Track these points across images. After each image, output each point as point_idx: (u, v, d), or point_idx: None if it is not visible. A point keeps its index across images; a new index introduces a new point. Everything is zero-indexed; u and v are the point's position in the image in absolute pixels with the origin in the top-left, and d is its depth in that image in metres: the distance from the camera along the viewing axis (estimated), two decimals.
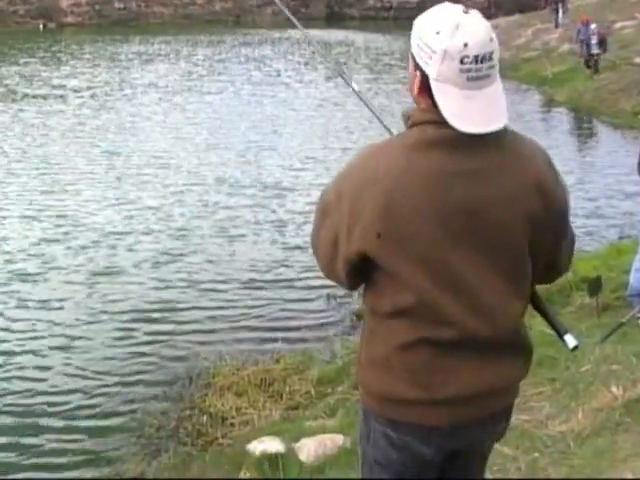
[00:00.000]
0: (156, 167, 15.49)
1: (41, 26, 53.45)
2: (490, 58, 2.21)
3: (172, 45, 40.17)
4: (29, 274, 10.02)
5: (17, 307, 9.10)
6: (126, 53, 36.60)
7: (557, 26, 28.87)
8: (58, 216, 12.38)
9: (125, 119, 20.59)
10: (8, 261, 10.44)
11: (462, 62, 2.17)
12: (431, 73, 2.23)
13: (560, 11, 28.70)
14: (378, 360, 2.43)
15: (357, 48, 38.14)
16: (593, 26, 25.75)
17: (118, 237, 11.43)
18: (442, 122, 2.21)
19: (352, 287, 2.56)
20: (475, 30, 2.20)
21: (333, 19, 58.54)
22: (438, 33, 2.20)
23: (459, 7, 2.26)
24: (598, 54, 24.61)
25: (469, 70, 2.18)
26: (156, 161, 15.98)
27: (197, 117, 20.94)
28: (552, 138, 19.93)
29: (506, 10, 54.14)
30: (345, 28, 51.62)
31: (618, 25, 31.20)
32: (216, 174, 14.98)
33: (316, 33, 46.56)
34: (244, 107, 22.52)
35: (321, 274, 2.63)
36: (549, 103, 23.71)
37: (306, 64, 32.45)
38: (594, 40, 25.43)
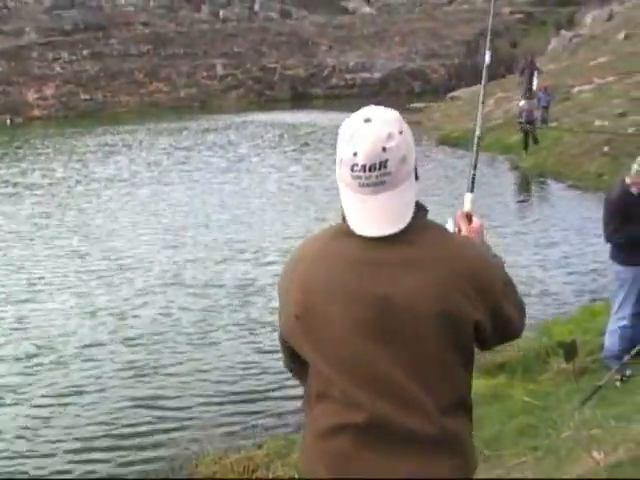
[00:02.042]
0: (119, 268, 14.54)
1: (8, 121, 53.68)
2: (383, 166, 2.29)
3: (136, 135, 40.09)
4: None
5: None
6: (88, 145, 36.32)
7: (530, 94, 28.52)
8: (16, 325, 11.69)
9: (85, 216, 19.67)
10: None
11: (352, 170, 2.30)
12: (337, 175, 2.39)
13: (535, 78, 28.63)
14: (306, 446, 2.51)
15: (322, 128, 38.40)
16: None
17: (83, 347, 10.66)
18: None
19: (297, 374, 2.66)
20: (365, 141, 2.29)
21: (298, 99, 59.25)
22: (341, 140, 2.35)
23: (364, 114, 2.36)
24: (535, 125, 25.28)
25: (359, 177, 2.30)
26: (118, 261, 15.04)
27: (160, 211, 19.89)
28: (519, 203, 20.23)
29: (467, 81, 55.12)
30: (310, 108, 52.12)
31: (576, 89, 31.81)
32: (182, 273, 14.10)
33: (281, 116, 47.25)
34: (209, 197, 21.66)
35: None
36: (515, 169, 24.01)
37: (272, 147, 32.50)
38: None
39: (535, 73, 28.91)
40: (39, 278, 14.07)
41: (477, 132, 3.46)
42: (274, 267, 13.66)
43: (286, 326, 2.45)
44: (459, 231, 2.81)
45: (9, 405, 8.95)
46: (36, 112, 57.50)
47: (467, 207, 3.02)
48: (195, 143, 34.78)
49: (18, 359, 10.25)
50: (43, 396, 9.16)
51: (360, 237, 2.34)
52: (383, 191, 2.31)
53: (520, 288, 8.88)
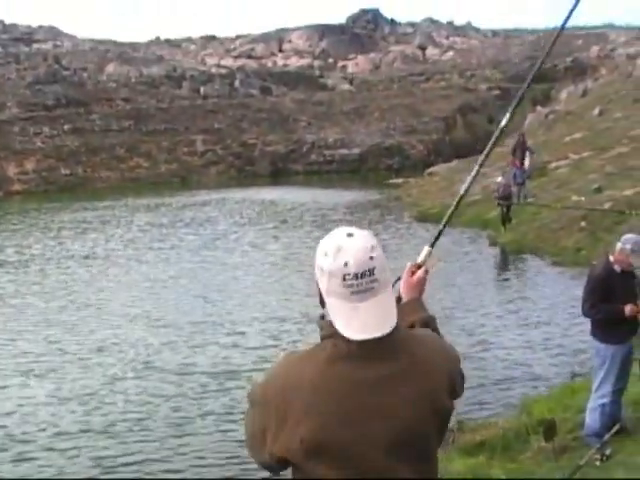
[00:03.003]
0: (91, 350, 13.97)
1: None
2: (371, 273, 2.52)
3: (114, 211, 40.01)
4: None
5: None
6: (64, 221, 36.11)
7: (522, 180, 28.09)
8: None
9: (57, 298, 18.84)
10: None
11: (344, 279, 2.51)
12: (322, 289, 2.59)
13: (527, 158, 28.19)
14: None
15: (301, 204, 38.58)
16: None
17: (52, 436, 10.23)
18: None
19: (274, 472, 2.73)
20: (354, 251, 2.52)
21: (278, 175, 59.67)
22: (326, 255, 2.57)
23: (345, 231, 2.61)
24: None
25: (351, 285, 2.51)
26: (90, 344, 14.42)
27: (136, 292, 19.13)
28: (497, 279, 20.34)
29: (445, 157, 55.79)
30: (290, 184, 52.44)
31: (553, 165, 32.24)
32: (159, 360, 13.45)
33: (261, 192, 47.49)
34: (184, 276, 21.02)
35: None
36: (493, 245, 24.15)
37: (251, 225, 32.44)
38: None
39: (527, 153, 28.94)
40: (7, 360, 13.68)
41: (461, 191, 3.69)
42: (254, 351, 13.62)
43: (287, 448, 2.52)
44: (400, 279, 3.19)
45: None
46: (17, 187, 57.57)
47: (420, 258, 3.34)
48: (173, 220, 34.52)
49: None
50: None
51: (357, 359, 2.52)
52: (372, 297, 2.53)
53: (502, 368, 8.91)
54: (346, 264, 2.50)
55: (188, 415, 10.65)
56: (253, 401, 2.68)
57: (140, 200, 45.02)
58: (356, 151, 64.75)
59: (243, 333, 15.09)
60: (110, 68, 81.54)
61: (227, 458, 9.39)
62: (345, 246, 2.54)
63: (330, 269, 2.53)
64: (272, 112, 71.08)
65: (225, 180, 58.52)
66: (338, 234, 2.60)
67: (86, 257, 24.98)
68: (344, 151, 64.79)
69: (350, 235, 2.59)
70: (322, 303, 2.63)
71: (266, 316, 16.41)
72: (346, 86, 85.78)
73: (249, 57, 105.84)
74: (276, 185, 52.88)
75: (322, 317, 2.66)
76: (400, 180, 46.78)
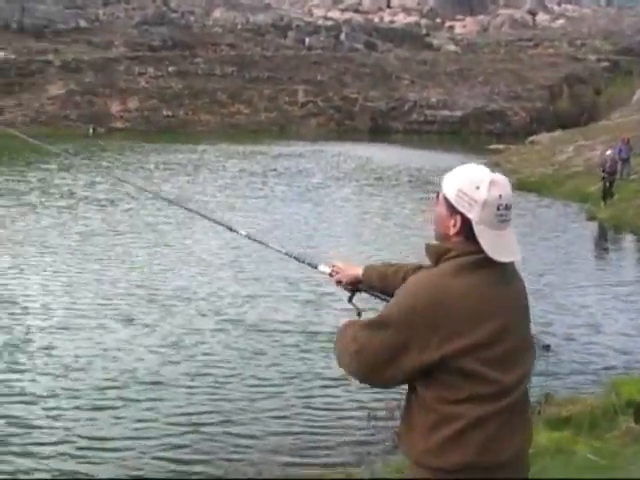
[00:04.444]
0: (175, 300, 13.39)
1: (90, 130, 54.80)
2: (511, 207, 2.90)
3: (210, 155, 40.32)
4: None
5: None
6: (159, 162, 36.57)
7: (627, 157, 27.32)
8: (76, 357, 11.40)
9: (143, 240, 18.59)
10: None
11: (498, 209, 2.87)
12: (473, 217, 2.88)
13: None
14: (454, 437, 2.88)
15: (399, 163, 38.14)
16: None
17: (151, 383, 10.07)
18: (481, 252, 2.87)
19: (389, 387, 3.08)
20: (504, 185, 2.90)
21: (377, 132, 59.29)
22: (478, 188, 2.87)
23: (482, 167, 2.95)
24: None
25: (501, 215, 2.87)
26: (175, 292, 13.84)
27: (223, 240, 18.14)
28: (595, 256, 19.82)
29: (547, 126, 54.69)
30: (389, 142, 52.03)
31: None
32: (242, 313, 12.83)
33: (358, 147, 47.22)
34: (276, 227, 20.48)
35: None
36: (591, 219, 23.58)
37: (347, 179, 32.32)
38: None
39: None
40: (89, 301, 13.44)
41: None
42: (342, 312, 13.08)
43: (447, 346, 2.82)
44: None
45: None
46: (118, 124, 58.59)
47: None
48: (267, 169, 34.62)
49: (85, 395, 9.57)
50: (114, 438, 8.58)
51: (488, 267, 2.89)
52: (508, 227, 2.92)
53: (602, 350, 8.58)
54: (500, 196, 2.86)
55: (269, 376, 10.13)
56: (384, 322, 2.92)
57: (236, 146, 45.20)
58: (458, 113, 64.00)
59: (331, 293, 13.72)
60: (217, 13, 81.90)
61: (308, 423, 9.05)
62: (497, 180, 2.89)
63: (485, 199, 2.85)
64: (375, 68, 70.62)
65: (323, 132, 58.43)
66: (480, 170, 2.94)
67: (179, 199, 24.71)
68: (446, 112, 64.10)
69: (492, 171, 2.94)
70: (458, 230, 2.93)
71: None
72: (452, 47, 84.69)
73: (356, 11, 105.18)
74: (374, 142, 52.52)
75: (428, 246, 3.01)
76: (501, 146, 46.05)
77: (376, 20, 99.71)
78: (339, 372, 9.76)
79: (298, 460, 7.97)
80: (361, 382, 3.09)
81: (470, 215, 2.87)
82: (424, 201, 24.30)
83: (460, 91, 67.02)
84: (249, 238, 4.34)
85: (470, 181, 2.89)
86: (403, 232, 20.24)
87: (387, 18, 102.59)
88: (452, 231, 2.95)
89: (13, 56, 65.29)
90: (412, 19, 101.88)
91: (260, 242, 4.26)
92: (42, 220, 20.61)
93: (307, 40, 76.96)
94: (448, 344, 2.81)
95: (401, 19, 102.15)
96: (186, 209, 6.06)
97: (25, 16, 71.76)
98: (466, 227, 2.90)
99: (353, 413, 9.03)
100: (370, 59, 73.12)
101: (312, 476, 7.50)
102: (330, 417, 8.94)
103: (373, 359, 2.94)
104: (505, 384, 2.89)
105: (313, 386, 9.73)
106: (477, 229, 2.87)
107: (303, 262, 3.97)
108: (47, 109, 59.68)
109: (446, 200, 2.96)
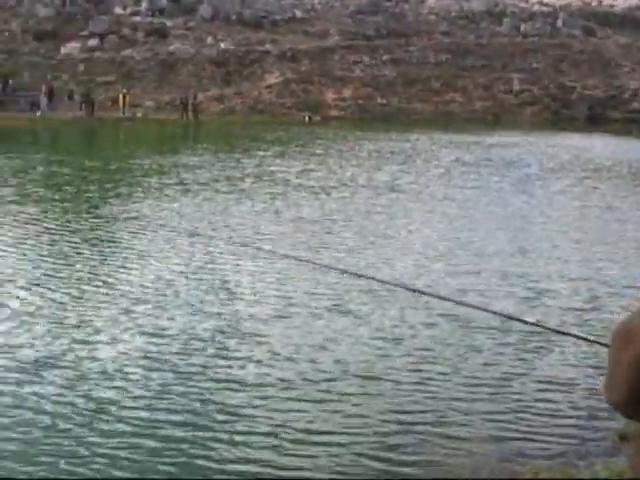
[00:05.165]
0: (387, 290, 13.66)
1: (306, 118, 55.77)
2: None
3: (423, 144, 40.06)
4: None
5: None
6: (372, 150, 36.55)
7: None
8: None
9: (353, 228, 18.56)
10: None
11: None
12: None
13: None
14: None
15: (619, 155, 36.58)
16: None
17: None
18: None
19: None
20: None
21: (594, 121, 57.25)
22: None
23: None
24: None
25: None
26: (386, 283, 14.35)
27: (434, 230, 18.07)
28: None
29: None
30: (607, 131, 50.17)
31: None
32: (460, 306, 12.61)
33: (574, 138, 45.75)
34: (488, 220, 19.80)
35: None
36: None
37: (563, 171, 31.18)
38: None
39: None
40: (309, 292, 13.36)
41: None
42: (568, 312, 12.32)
43: None
44: None
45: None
46: (333, 112, 59.33)
47: None
48: (480, 158, 33.82)
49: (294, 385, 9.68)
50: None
51: None
52: None
53: None
54: None
55: (483, 375, 9.62)
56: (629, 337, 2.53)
57: (449, 135, 44.81)
58: None
59: (551, 290, 13.40)
60: (431, 1, 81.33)
61: (523, 424, 8.61)
62: None
63: None
64: (594, 55, 68.25)
65: (539, 122, 57.01)
66: None
67: (388, 188, 24.68)
68: None
69: None
70: None
71: (581, 274, 14.50)
72: None
73: None
74: (591, 131, 50.77)
75: None
76: None
77: (594, 4, 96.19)
78: (556, 373, 9.44)
79: (512, 463, 7.66)
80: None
81: None
82: None
83: None
84: None
85: None
86: (624, 227, 19.32)
87: (606, 2, 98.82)
88: None
89: (232, 47, 67.38)
90: (633, 2, 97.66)
91: None
92: (255, 206, 20.99)
93: (522, 27, 75.21)
94: None
95: (621, 3, 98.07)
96: None
97: (244, 8, 73.87)
98: None
99: (571, 413, 8.61)
100: (588, 45, 70.73)
101: (534, 475, 7.18)
102: (546, 417, 8.53)
103: (627, 383, 2.55)
104: None
105: (529, 388, 9.30)
106: None
107: None
108: (264, 97, 61.24)
109: None
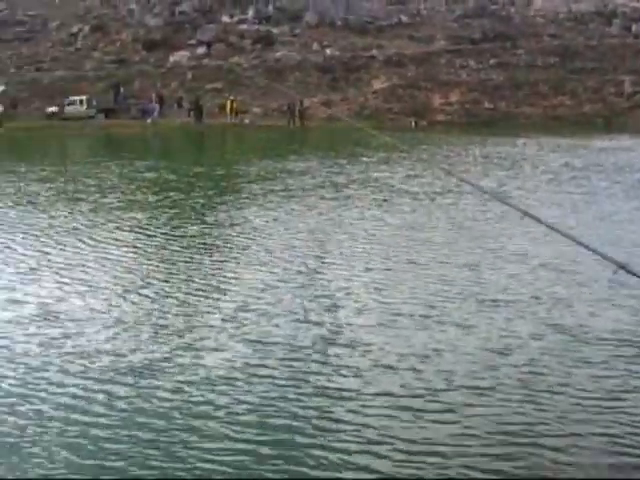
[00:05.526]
0: (493, 299, 12.90)
1: (412, 123, 55.47)
2: None
3: (528, 149, 39.24)
4: None
5: None
6: (477, 155, 36.13)
7: None
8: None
9: (450, 232, 18.41)
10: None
11: None
12: None
13: None
14: None
15: None
16: None
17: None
18: None
19: None
20: None
21: None
22: None
23: None
24: None
25: None
26: (490, 292, 13.26)
27: (530, 238, 17.28)
28: None
29: None
30: None
31: None
32: (565, 315, 12.30)
33: None
34: (599, 228, 18.91)
35: None
36: None
37: None
38: None
39: None
40: (412, 300, 13.17)
41: None
42: None
43: None
44: None
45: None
46: (440, 117, 58.87)
47: None
48: (589, 163, 32.71)
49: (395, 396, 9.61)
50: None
51: None
52: None
53: None
54: None
55: (593, 389, 9.22)
56: None
57: (558, 139, 43.91)
58: None
59: None
60: (538, 3, 79.95)
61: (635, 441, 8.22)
62: None
63: None
64: None
65: None
66: None
67: (497, 194, 23.90)
68: None
69: None
70: None
71: None
72: None
73: None
74: None
75: None
76: None
77: None
78: None
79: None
80: None
81: None
82: None
83: None
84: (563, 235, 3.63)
85: None
86: None
87: None
88: None
89: (338, 53, 67.55)
90: None
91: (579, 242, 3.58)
92: (360, 212, 20.91)
93: (633, 27, 73.27)
94: None
95: None
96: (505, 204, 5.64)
97: (349, 13, 74.00)
98: None
99: None
100: None
101: None
102: None
103: None
104: None
105: None
106: None
107: None
108: (371, 103, 61.16)
109: None
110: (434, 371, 9.61)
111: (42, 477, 7.35)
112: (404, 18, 74.28)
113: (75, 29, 74.02)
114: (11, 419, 8.40)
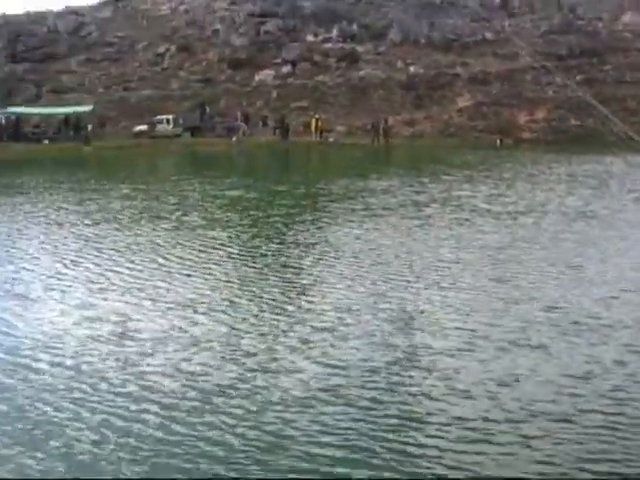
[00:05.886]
0: (579, 324, 12.49)
1: (498, 141, 54.88)
2: None
3: (615, 167, 38.61)
4: None
5: None
6: (561, 174, 35.65)
7: None
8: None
9: (540, 251, 18.13)
10: None
11: None
12: None
13: None
14: None
15: None
16: None
17: None
18: None
19: None
20: None
21: None
22: None
23: None
24: None
25: None
26: (580, 317, 12.83)
27: (622, 261, 16.84)
28: None
29: None
30: None
31: None
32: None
33: None
34: None
35: None
36: None
37: None
38: None
39: None
40: (492, 323, 12.89)
41: None
42: None
43: None
44: None
45: None
46: (526, 134, 58.15)
47: None
48: None
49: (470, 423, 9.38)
50: None
51: None
52: None
53: None
54: None
55: None
56: None
57: None
58: None
59: None
60: (626, 17, 78.46)
61: None
62: None
63: None
64: None
65: None
66: None
67: (579, 214, 23.53)
68: None
69: None
70: None
71: None
72: None
73: None
74: None
75: None
76: None
77: None
78: None
79: None
80: None
81: None
82: None
83: None
84: None
85: None
86: None
87: None
88: None
89: (422, 70, 67.30)
90: None
91: None
92: (438, 232, 20.66)
93: None
94: None
95: None
96: None
97: (433, 31, 73.71)
98: None
99: None
100: None
101: None
102: None
103: None
104: None
105: None
106: None
107: None
108: (455, 121, 60.77)
109: None
110: (513, 398, 9.34)
111: (42, 477, 7.43)
112: (488, 35, 73.63)
113: (162, 49, 75.20)
114: (94, 437, 8.43)
